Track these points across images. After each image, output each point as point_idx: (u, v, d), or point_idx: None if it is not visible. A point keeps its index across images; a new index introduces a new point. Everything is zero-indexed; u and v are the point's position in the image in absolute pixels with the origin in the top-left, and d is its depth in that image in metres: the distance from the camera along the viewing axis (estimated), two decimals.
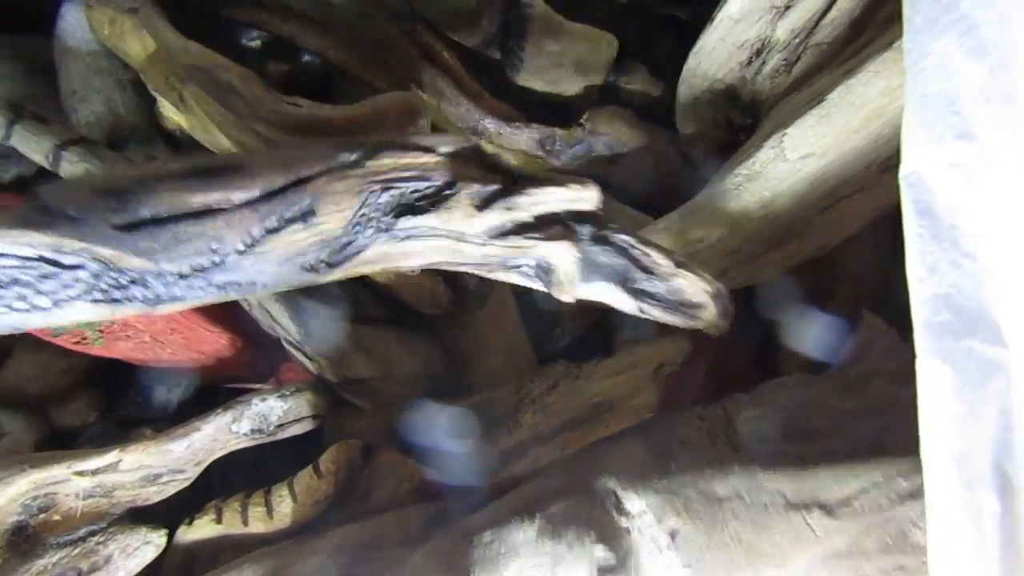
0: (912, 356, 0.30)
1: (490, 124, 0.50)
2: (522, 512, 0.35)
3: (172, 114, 0.45)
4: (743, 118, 0.50)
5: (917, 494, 0.31)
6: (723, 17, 0.45)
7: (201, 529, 0.43)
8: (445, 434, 0.41)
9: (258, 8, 0.50)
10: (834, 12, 0.45)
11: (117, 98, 0.60)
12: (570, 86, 0.52)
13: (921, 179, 0.29)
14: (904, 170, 0.30)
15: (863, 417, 0.36)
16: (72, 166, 0.46)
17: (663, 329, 0.54)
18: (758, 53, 0.47)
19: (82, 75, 0.59)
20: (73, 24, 0.57)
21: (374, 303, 0.48)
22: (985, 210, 0.28)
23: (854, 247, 0.50)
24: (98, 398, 0.54)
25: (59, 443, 0.51)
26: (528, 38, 0.49)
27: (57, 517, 0.39)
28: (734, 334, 0.42)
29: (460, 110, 0.50)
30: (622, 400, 0.43)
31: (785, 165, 0.43)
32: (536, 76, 0.52)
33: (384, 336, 0.44)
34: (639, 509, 0.34)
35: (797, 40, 0.46)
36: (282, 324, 0.47)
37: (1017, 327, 0.27)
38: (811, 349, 0.40)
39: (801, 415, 0.37)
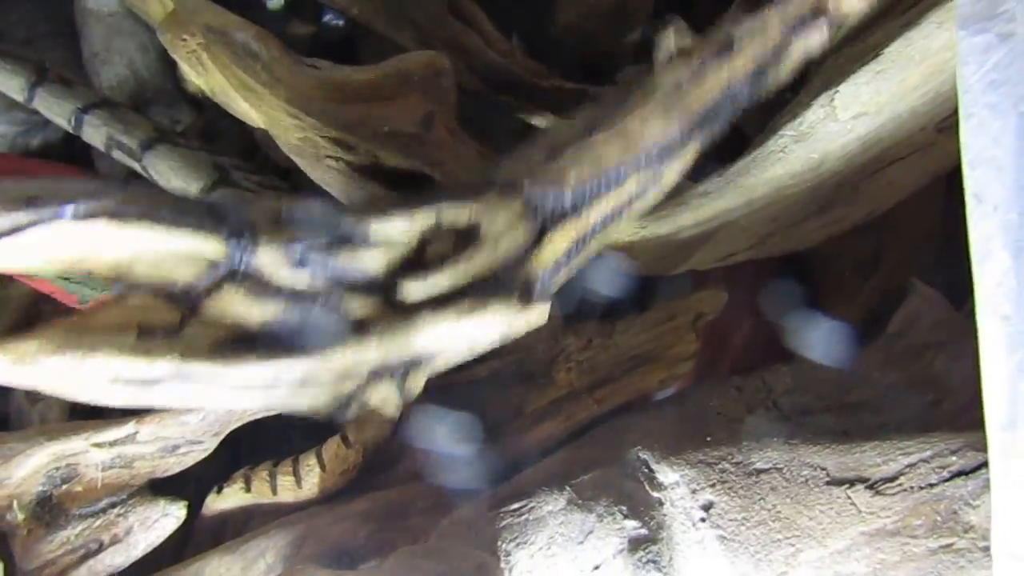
0: (968, 328, 0.29)
1: (519, 82, 0.49)
2: (551, 482, 0.35)
3: (193, 77, 0.45)
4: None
5: (969, 471, 0.31)
6: None
7: (230, 498, 0.44)
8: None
9: None
10: None
11: (139, 60, 0.61)
12: (606, 41, 0.50)
13: None
14: (1021, 106, 0.28)
15: (911, 391, 0.36)
16: (94, 130, 0.47)
17: (700, 285, 0.54)
18: None
19: (104, 37, 0.60)
20: None
21: None
22: None
23: (903, 212, 0.49)
24: None
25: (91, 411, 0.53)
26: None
27: (79, 488, 0.40)
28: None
29: (487, 66, 0.49)
30: (659, 352, 0.42)
31: (836, 126, 0.41)
32: (570, 31, 0.51)
33: None
34: (672, 481, 0.34)
35: None
36: None
37: None
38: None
39: (845, 388, 0.37)
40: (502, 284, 0.32)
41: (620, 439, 0.36)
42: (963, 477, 0.31)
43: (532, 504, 0.35)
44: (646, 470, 0.34)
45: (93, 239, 0.28)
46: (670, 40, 0.37)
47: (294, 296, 0.30)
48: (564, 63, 0.51)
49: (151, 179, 0.47)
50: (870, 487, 0.32)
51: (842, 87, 0.40)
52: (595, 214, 0.34)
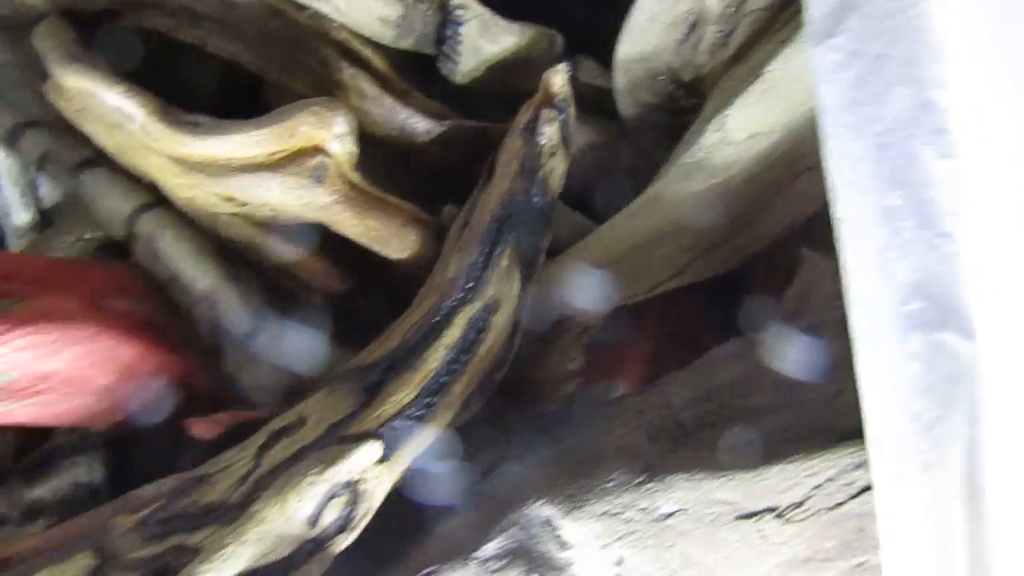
0: None
1: (418, 124, 0.51)
2: (454, 555, 0.35)
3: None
4: (689, 99, 0.50)
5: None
6: None
7: None
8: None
9: (164, 14, 0.50)
10: None
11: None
12: (513, 84, 0.52)
13: (898, 141, 0.30)
14: (875, 126, 0.29)
15: (812, 384, 0.36)
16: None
17: (636, 318, 0.55)
18: (692, 28, 0.46)
19: None
20: None
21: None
22: (964, 182, 0.28)
23: (822, 220, 0.51)
24: (13, 436, 0.55)
25: None
26: (462, 43, 0.50)
27: None
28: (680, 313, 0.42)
29: (384, 109, 0.50)
30: (544, 372, 0.44)
31: (731, 148, 0.42)
32: (475, 78, 0.53)
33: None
34: (580, 538, 0.34)
35: (731, 9, 0.45)
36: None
37: (988, 321, 0.27)
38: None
39: (744, 390, 0.37)
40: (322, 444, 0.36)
41: (517, 491, 0.36)
42: (869, 492, 0.32)
43: None
44: (551, 528, 0.34)
45: None
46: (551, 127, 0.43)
47: None
48: (475, 107, 0.53)
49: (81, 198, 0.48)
50: (779, 516, 0.32)
51: (731, 110, 0.42)
52: (431, 362, 0.39)
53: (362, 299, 0.49)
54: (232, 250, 0.47)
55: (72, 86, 0.41)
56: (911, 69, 0.29)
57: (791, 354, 0.39)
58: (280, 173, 0.42)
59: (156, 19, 0.49)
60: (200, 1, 0.47)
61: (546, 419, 0.43)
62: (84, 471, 0.53)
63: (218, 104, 0.56)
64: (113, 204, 0.47)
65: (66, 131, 0.49)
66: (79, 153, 0.48)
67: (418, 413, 0.39)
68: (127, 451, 0.57)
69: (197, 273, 0.46)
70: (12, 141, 0.50)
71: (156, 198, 0.48)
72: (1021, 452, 0.27)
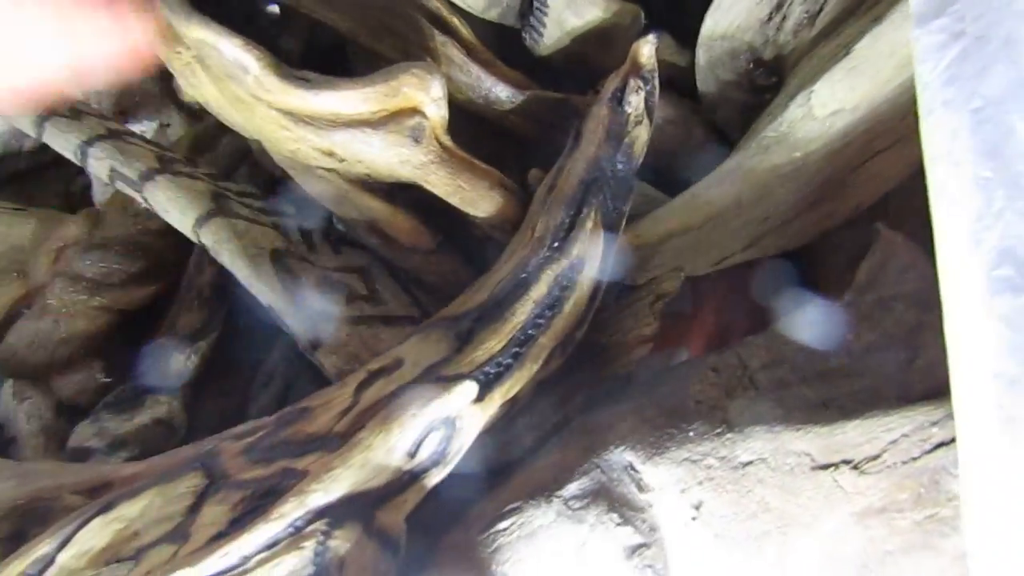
0: (934, 276, 0.32)
1: (502, 92, 0.53)
2: (537, 493, 0.38)
3: (187, 88, 0.49)
4: (767, 78, 0.51)
5: (949, 442, 0.34)
6: None
7: None
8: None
9: None
10: None
11: None
12: (593, 58, 0.54)
13: (995, 115, 0.31)
14: (973, 103, 0.31)
15: (886, 349, 0.39)
16: (98, 163, 0.51)
17: (697, 290, 0.57)
18: (778, 7, 0.48)
19: None
20: None
21: (394, 297, 0.52)
22: None
23: (893, 201, 0.52)
24: (100, 368, 0.58)
25: (71, 416, 0.57)
26: (548, 14, 0.52)
27: None
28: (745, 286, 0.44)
29: (470, 78, 0.53)
30: (618, 336, 0.46)
31: (814, 124, 0.45)
32: (557, 49, 0.55)
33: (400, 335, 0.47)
34: (660, 482, 0.36)
35: None
36: (288, 325, 0.51)
37: None
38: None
39: (820, 356, 0.39)
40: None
41: (600, 438, 0.39)
42: (944, 448, 0.34)
43: (522, 520, 0.37)
44: (632, 472, 0.37)
45: None
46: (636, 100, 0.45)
47: None
48: (553, 79, 0.55)
49: (151, 209, 0.51)
50: (855, 468, 0.35)
51: (817, 86, 0.44)
52: (519, 314, 0.41)
53: (444, 256, 0.51)
54: (285, 256, 0.50)
55: (194, 36, 0.43)
56: (1010, 49, 0.31)
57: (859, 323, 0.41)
58: (382, 130, 0.45)
59: None
60: None
61: (620, 378, 0.46)
62: (165, 409, 0.57)
63: (301, 66, 0.59)
64: (177, 218, 0.51)
65: (125, 142, 0.52)
66: (140, 167, 0.51)
67: (507, 361, 0.41)
68: (202, 395, 0.61)
69: (256, 290, 0.49)
70: (84, 159, 0.53)
71: (211, 208, 0.50)
72: None
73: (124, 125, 0.60)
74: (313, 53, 0.61)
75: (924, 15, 0.34)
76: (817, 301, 0.45)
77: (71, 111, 0.54)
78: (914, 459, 0.34)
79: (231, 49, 0.43)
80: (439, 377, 0.39)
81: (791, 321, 0.42)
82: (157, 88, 0.66)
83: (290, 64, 0.54)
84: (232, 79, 0.44)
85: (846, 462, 0.35)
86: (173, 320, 0.59)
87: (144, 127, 0.65)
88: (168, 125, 0.66)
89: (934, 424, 0.34)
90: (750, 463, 0.36)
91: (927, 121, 0.33)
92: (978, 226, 0.30)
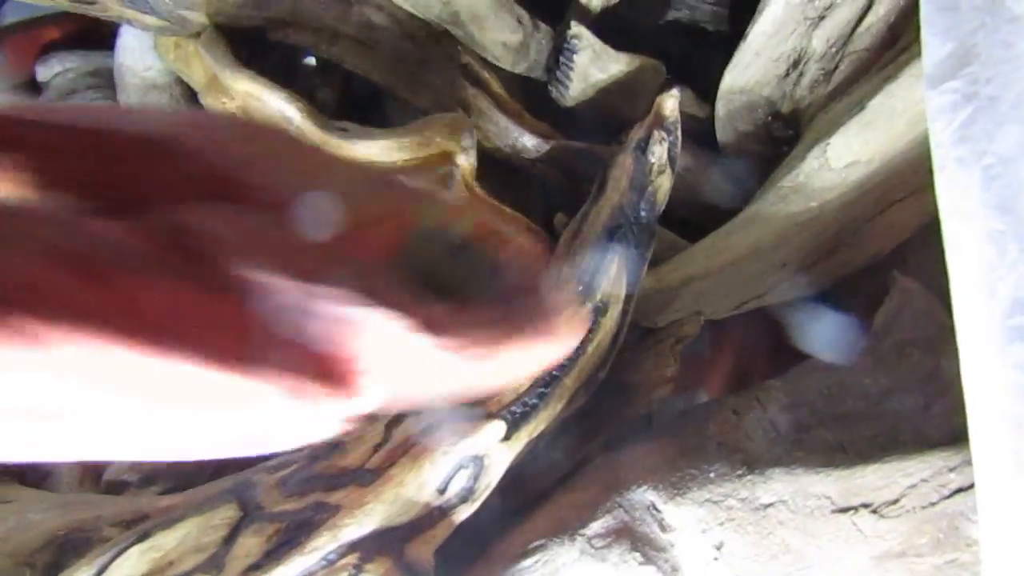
0: (949, 323, 0.33)
1: (528, 141, 0.56)
2: (560, 531, 0.39)
3: None
4: (784, 130, 0.54)
5: (967, 487, 0.35)
6: (757, 33, 0.49)
7: None
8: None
9: (307, 31, 0.57)
10: (870, 18, 0.49)
11: None
12: (617, 109, 0.57)
13: (1006, 172, 0.33)
14: (984, 160, 0.33)
15: (902, 393, 0.40)
16: None
17: (718, 333, 0.59)
18: (795, 65, 0.50)
19: (139, 91, 0.67)
20: (131, 43, 0.65)
21: None
22: None
23: (909, 251, 0.54)
24: None
25: None
26: (574, 69, 0.55)
27: None
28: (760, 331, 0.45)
29: (499, 128, 0.55)
30: (639, 377, 0.47)
31: (830, 175, 0.47)
32: (583, 101, 0.58)
33: None
34: (682, 522, 0.37)
35: (834, 49, 0.50)
36: None
37: None
38: (822, 350, 0.43)
39: (837, 398, 0.41)
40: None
41: (622, 477, 0.40)
42: (962, 493, 0.35)
43: (545, 558, 0.39)
44: (655, 511, 0.38)
45: None
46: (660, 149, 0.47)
47: None
48: (578, 129, 0.58)
49: None
50: (874, 511, 0.36)
51: (833, 139, 0.46)
52: None
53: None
54: None
55: (241, 89, 0.47)
56: (1021, 109, 0.33)
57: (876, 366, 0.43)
58: (415, 178, 0.47)
59: (299, 36, 0.55)
60: (343, 23, 0.53)
61: (641, 417, 0.47)
62: None
63: (337, 116, 0.62)
64: None
65: None
66: None
67: (533, 401, 0.43)
68: None
69: None
70: None
71: None
72: None
73: None
74: (349, 103, 0.64)
75: (936, 77, 0.36)
76: (835, 345, 0.47)
77: None
78: (932, 504, 0.35)
79: (275, 101, 0.46)
80: (467, 416, 0.41)
81: (810, 364, 0.44)
82: None
83: (327, 114, 0.57)
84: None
85: (865, 505, 0.36)
86: None
87: None
88: None
89: (952, 470, 0.35)
90: (771, 505, 0.37)
91: (940, 177, 0.35)
92: (992, 277, 0.32)
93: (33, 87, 0.75)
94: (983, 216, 0.32)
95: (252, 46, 0.57)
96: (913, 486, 0.36)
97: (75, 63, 0.75)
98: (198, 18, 0.54)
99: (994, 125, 0.33)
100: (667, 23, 0.63)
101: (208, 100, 0.52)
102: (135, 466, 0.57)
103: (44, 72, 0.74)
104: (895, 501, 0.36)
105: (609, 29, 0.60)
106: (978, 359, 0.32)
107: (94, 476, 0.58)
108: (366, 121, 0.61)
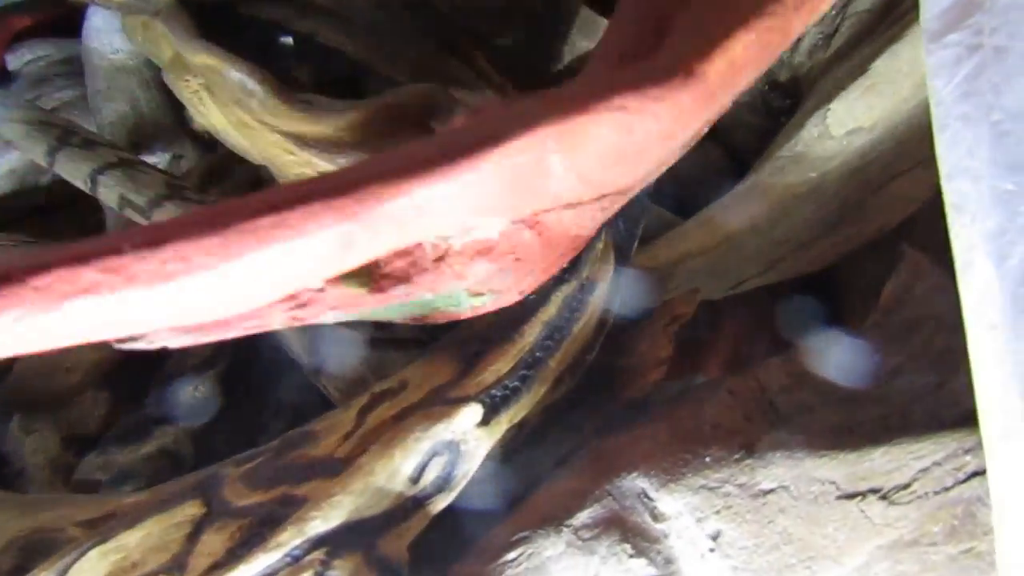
0: None
1: None
2: (546, 523, 0.37)
3: (197, 116, 0.50)
4: (782, 100, 0.52)
5: (984, 471, 0.32)
6: None
7: None
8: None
9: (278, 4, 0.55)
10: None
11: (141, 97, 0.67)
12: None
13: (1017, 128, 0.31)
14: (992, 116, 0.31)
15: (914, 372, 0.38)
16: (108, 190, 0.52)
17: (714, 314, 0.57)
18: None
19: (107, 74, 0.66)
20: (99, 24, 0.64)
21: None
22: None
23: (917, 224, 0.52)
24: (107, 399, 0.58)
25: (78, 447, 0.57)
26: (564, 38, 0.53)
27: None
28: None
29: (482, 102, 0.54)
30: (632, 359, 0.46)
31: (831, 143, 0.45)
32: (569, 71, 0.56)
33: (409, 358, 0.47)
34: (675, 511, 0.36)
35: (833, 12, 0.48)
36: (293, 350, 0.52)
37: None
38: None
39: (842, 375, 0.39)
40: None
41: (611, 464, 0.38)
42: (979, 477, 0.33)
43: (530, 551, 0.37)
44: (646, 499, 0.36)
45: None
46: None
47: None
48: None
49: None
50: (883, 497, 0.34)
51: (834, 104, 0.44)
52: (528, 336, 0.41)
53: None
54: None
55: (200, 62, 0.45)
56: None
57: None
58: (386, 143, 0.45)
59: (270, 10, 0.54)
60: None
61: (635, 402, 0.45)
62: (172, 440, 0.57)
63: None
64: None
65: (135, 170, 0.53)
66: (149, 193, 0.52)
67: (514, 384, 0.41)
68: (211, 425, 0.61)
69: None
70: (94, 187, 0.55)
71: None
72: None
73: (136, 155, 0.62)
74: (329, 83, 0.63)
75: (937, 31, 0.34)
76: (841, 326, 0.45)
77: (84, 141, 0.56)
78: (947, 489, 0.34)
79: (235, 74, 0.44)
80: (445, 400, 0.39)
81: (814, 344, 0.42)
82: (170, 119, 0.67)
83: (301, 88, 0.55)
84: (238, 104, 0.46)
85: (874, 491, 0.34)
86: (182, 349, 0.60)
87: (157, 159, 0.67)
88: (182, 156, 0.67)
89: (967, 452, 0.34)
90: (771, 491, 0.36)
91: (942, 137, 0.33)
92: (1002, 241, 0.30)
93: (4, 76, 0.74)
94: (991, 176, 0.31)
95: (223, 24, 0.55)
96: (925, 469, 0.34)
97: (47, 51, 0.74)
98: None
99: (1002, 78, 0.31)
100: None
101: (171, 78, 0.50)
102: (107, 464, 0.56)
103: (15, 61, 0.74)
104: (906, 486, 0.34)
105: None
106: (987, 335, 0.30)
107: (65, 475, 0.57)
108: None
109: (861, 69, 0.44)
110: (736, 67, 0.26)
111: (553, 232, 0.35)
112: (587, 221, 0.35)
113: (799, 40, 0.49)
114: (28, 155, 0.58)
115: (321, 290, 0.31)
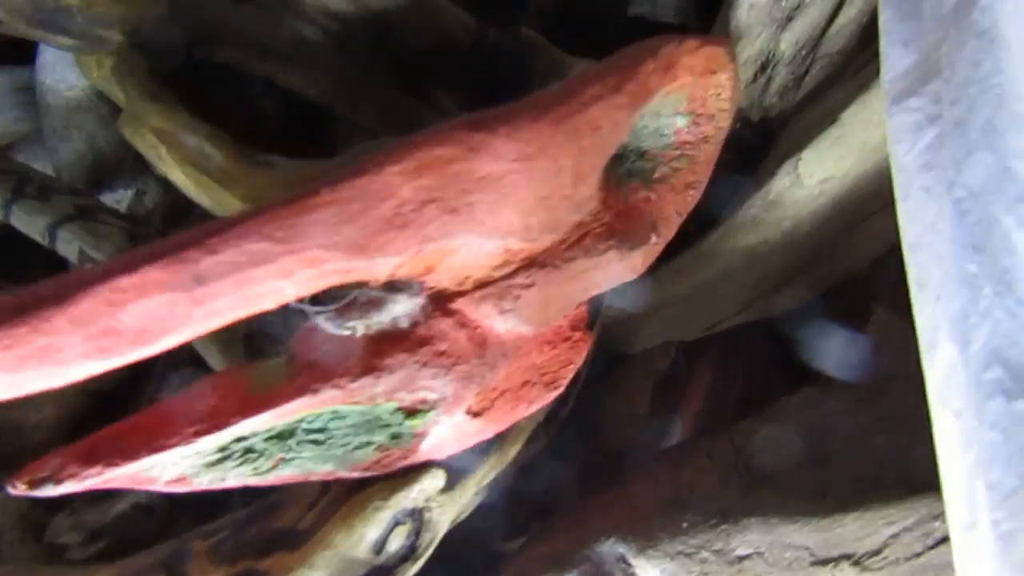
0: None
1: None
2: None
3: (158, 167, 0.50)
4: (755, 137, 0.52)
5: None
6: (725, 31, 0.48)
7: None
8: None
9: (234, 48, 0.55)
10: (841, 19, 0.47)
11: (99, 134, 0.67)
12: None
13: (978, 207, 0.32)
14: (954, 193, 0.31)
15: (882, 432, 0.39)
16: (67, 245, 0.53)
17: (691, 354, 0.58)
18: (763, 68, 0.49)
19: (62, 112, 0.65)
20: (51, 60, 0.63)
21: None
22: None
23: (891, 260, 0.53)
24: None
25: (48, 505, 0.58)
26: (531, 79, 0.53)
27: None
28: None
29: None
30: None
31: (803, 192, 0.46)
32: None
33: None
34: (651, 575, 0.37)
35: (804, 52, 0.48)
36: None
37: None
38: (833, 367, 0.43)
39: (815, 437, 0.40)
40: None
41: (591, 528, 0.39)
42: (947, 543, 0.34)
43: None
44: (624, 565, 0.38)
45: None
46: None
47: None
48: None
49: None
50: (855, 563, 0.35)
51: (805, 153, 0.45)
52: None
53: None
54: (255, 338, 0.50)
55: (156, 126, 0.45)
56: (992, 137, 0.31)
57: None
58: None
59: (227, 53, 0.53)
60: (272, 38, 0.51)
61: (613, 455, 0.46)
62: (144, 494, 0.57)
63: (281, 131, 0.60)
64: None
65: (94, 222, 0.54)
66: (109, 247, 0.53)
67: (482, 446, 0.41)
68: None
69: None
70: (52, 242, 0.55)
71: None
72: None
73: (96, 197, 0.61)
74: (296, 111, 0.63)
75: (898, 93, 0.35)
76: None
77: (40, 189, 0.55)
78: (917, 555, 0.35)
79: (193, 139, 0.44)
80: (407, 467, 0.40)
81: (787, 402, 0.43)
82: (131, 155, 0.67)
83: (268, 125, 0.55)
84: (195, 165, 0.45)
85: (846, 557, 0.35)
86: (150, 399, 0.60)
87: (119, 196, 0.67)
88: (145, 192, 0.67)
89: (936, 517, 0.35)
90: (747, 557, 0.37)
91: (904, 207, 0.33)
92: (965, 325, 0.30)
93: None
94: (954, 256, 0.31)
95: (182, 66, 0.55)
96: (896, 535, 0.35)
97: None
98: (114, 36, 0.52)
99: (963, 153, 0.32)
100: (629, 19, 0.61)
101: (128, 131, 0.50)
102: (77, 525, 0.56)
103: None
104: (877, 552, 0.35)
105: (565, 27, 0.59)
106: (952, 419, 0.30)
107: (35, 533, 0.57)
108: (312, 134, 0.59)
109: (831, 119, 0.44)
110: None
111: (485, 329, 0.36)
112: (516, 320, 0.36)
113: (770, 80, 0.50)
114: None
115: None
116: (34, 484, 0.33)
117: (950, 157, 0.32)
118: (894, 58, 0.36)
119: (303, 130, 0.61)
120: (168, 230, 0.62)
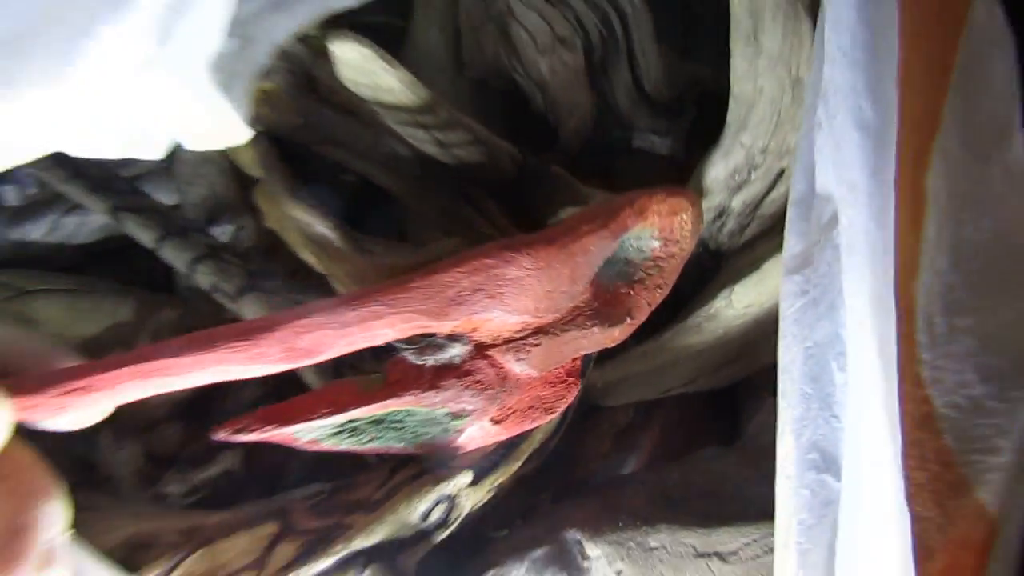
0: None
1: None
2: (514, 555, 0.58)
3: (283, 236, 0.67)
4: (709, 261, 0.69)
5: None
6: (697, 188, 0.65)
7: None
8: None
9: (341, 150, 0.68)
10: (774, 194, 0.64)
11: (218, 182, 0.79)
12: None
13: (818, 354, 0.49)
14: (806, 343, 0.47)
15: (757, 485, 0.57)
16: (204, 277, 0.67)
17: (651, 410, 0.78)
18: (719, 216, 0.65)
19: (192, 164, 0.78)
20: None
21: None
22: (850, 388, 0.44)
23: None
24: (182, 427, 0.71)
25: (157, 462, 0.71)
26: (555, 198, 0.64)
27: None
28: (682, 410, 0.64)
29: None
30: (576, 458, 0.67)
31: (733, 312, 0.63)
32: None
33: None
34: (596, 554, 0.57)
35: (748, 210, 0.64)
36: None
37: (850, 471, 0.44)
38: (711, 478, 0.63)
39: (711, 482, 0.60)
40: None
41: (561, 523, 0.59)
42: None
43: (502, 572, 0.58)
44: (579, 546, 0.57)
45: None
46: None
47: None
48: None
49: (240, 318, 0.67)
50: (721, 559, 0.56)
51: (736, 287, 0.63)
52: None
53: None
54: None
55: (293, 215, 0.64)
56: (832, 312, 0.51)
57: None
58: None
59: (335, 152, 0.69)
60: (372, 150, 0.67)
61: (579, 479, 0.67)
62: (230, 463, 0.74)
63: (354, 200, 0.78)
64: None
65: (223, 261, 0.67)
66: (236, 283, 0.66)
67: (495, 458, 0.61)
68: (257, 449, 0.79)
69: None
70: (192, 274, 0.68)
71: None
72: (861, 551, 0.43)
73: (215, 237, 0.75)
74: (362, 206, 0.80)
75: (789, 267, 0.53)
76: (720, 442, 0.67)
77: (180, 229, 0.70)
78: (758, 556, 0.56)
79: (322, 228, 0.63)
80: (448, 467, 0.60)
81: (696, 456, 0.64)
82: (237, 197, 0.78)
83: (344, 200, 0.71)
84: (315, 244, 0.64)
85: (717, 554, 0.56)
86: (239, 391, 0.78)
87: (223, 229, 0.78)
88: (243, 228, 0.78)
89: (770, 535, 0.54)
90: (655, 548, 0.57)
91: (781, 343, 0.49)
92: (800, 424, 0.50)
93: None
94: (799, 381, 0.51)
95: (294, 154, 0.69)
96: (747, 543, 0.56)
97: None
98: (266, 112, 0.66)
99: (815, 319, 0.51)
100: (633, 150, 0.78)
101: (260, 201, 0.65)
102: (183, 480, 0.70)
103: None
104: (735, 552, 0.56)
105: (585, 154, 0.78)
106: (786, 478, 0.50)
107: (147, 484, 0.70)
108: (377, 207, 0.76)
109: (757, 266, 0.62)
110: None
111: (507, 369, 0.52)
112: (527, 365, 0.52)
113: (723, 225, 0.70)
114: (138, 239, 0.71)
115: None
116: (235, 432, 0.47)
117: (807, 321, 0.49)
118: (791, 243, 0.50)
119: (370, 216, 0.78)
120: (265, 263, 0.79)
